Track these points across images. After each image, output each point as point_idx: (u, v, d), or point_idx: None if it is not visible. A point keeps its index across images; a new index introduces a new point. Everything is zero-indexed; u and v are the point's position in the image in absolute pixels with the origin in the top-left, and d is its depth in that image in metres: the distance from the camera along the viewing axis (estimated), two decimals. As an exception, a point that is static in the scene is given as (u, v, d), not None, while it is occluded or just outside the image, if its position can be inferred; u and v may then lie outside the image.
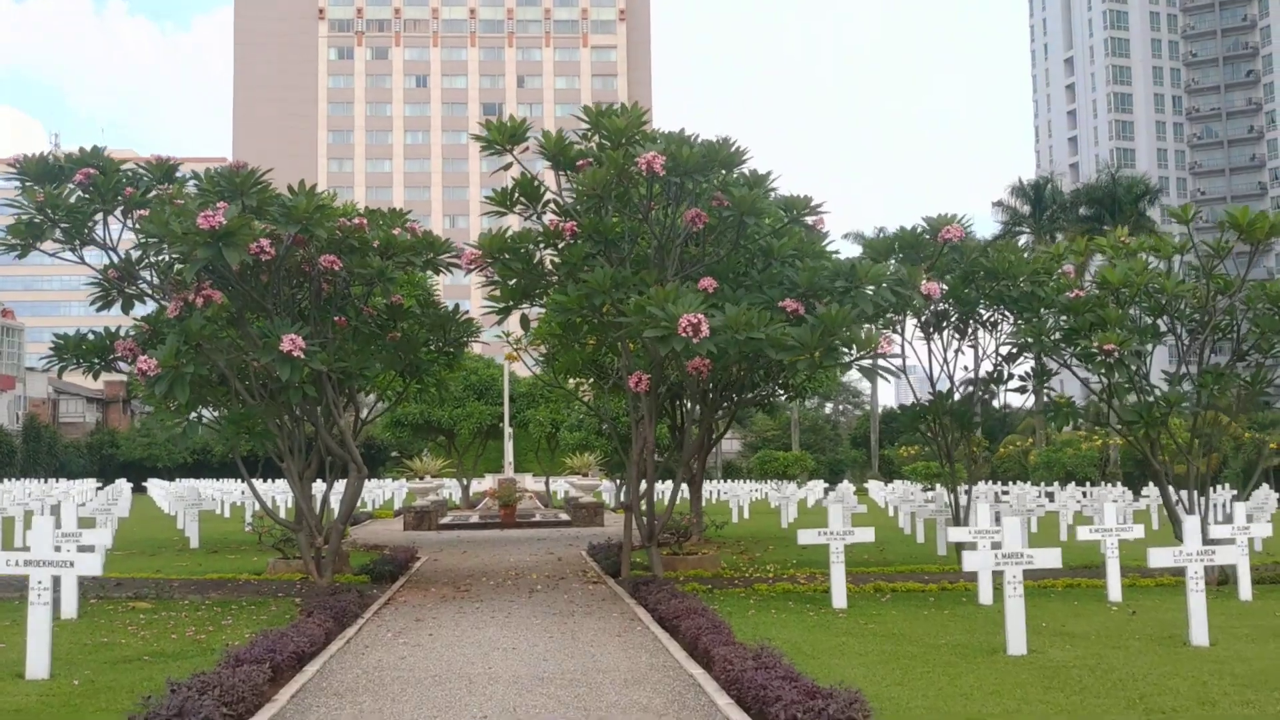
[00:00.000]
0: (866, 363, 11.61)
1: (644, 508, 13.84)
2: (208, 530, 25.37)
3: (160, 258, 11.72)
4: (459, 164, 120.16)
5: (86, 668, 8.89)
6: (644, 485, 16.10)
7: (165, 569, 17.16)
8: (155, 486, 51.37)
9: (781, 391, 21.85)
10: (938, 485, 42.16)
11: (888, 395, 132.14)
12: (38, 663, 8.40)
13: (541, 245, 12.90)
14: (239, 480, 46.33)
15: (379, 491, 46.70)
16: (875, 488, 49.42)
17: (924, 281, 12.66)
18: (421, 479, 30.45)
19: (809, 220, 12.69)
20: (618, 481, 43.39)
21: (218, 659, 8.20)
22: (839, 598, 12.32)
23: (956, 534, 13.11)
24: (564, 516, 32.66)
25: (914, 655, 9.35)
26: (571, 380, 22.96)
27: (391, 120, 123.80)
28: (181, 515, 23.30)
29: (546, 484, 47.44)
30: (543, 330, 17.41)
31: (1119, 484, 49.56)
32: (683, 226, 12.69)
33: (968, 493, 17.91)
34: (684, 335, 10.56)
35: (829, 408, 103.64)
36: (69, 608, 11.66)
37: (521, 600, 13.29)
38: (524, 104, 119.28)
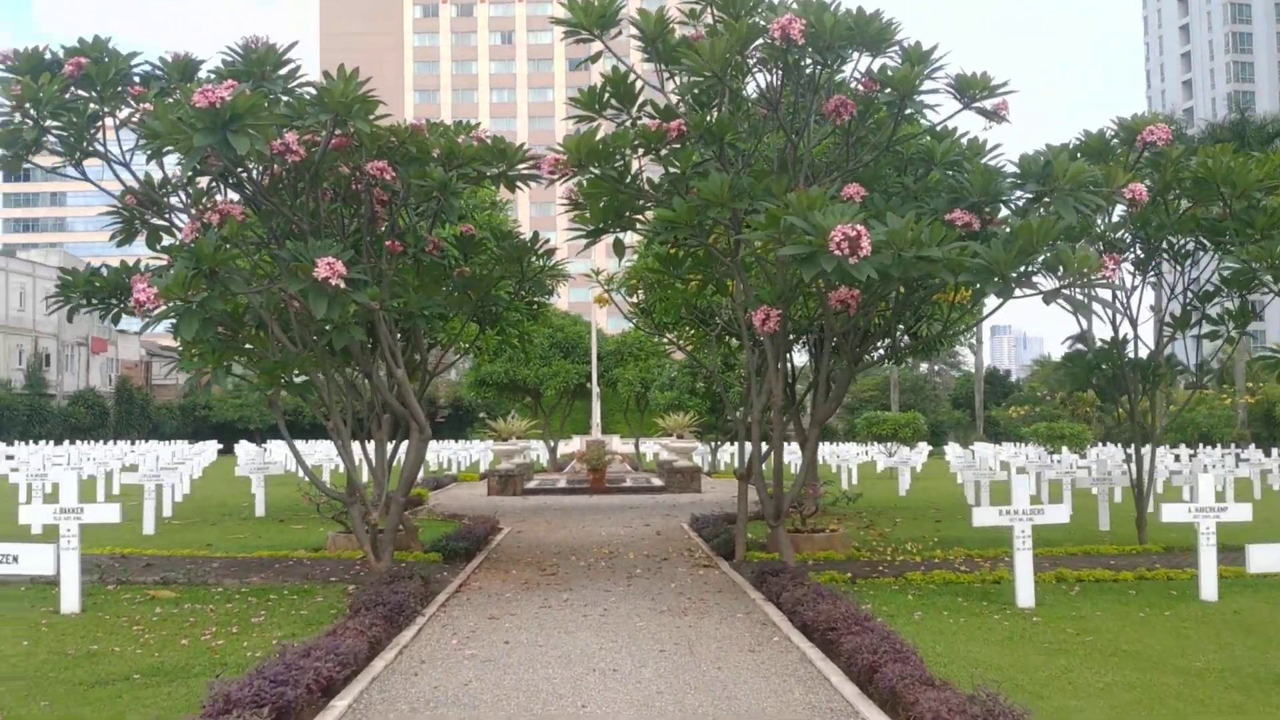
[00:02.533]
0: (1075, 290, 8.82)
1: (765, 478, 11.25)
2: (279, 497, 23.55)
3: (182, 173, 9.40)
4: (545, 121, 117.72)
5: (49, 693, 6.68)
6: (766, 451, 13.56)
7: (218, 543, 15.17)
8: (242, 449, 50.44)
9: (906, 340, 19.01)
10: (1064, 449, 38.80)
11: (990, 355, 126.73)
12: (-28, 692, 6.18)
13: (640, 151, 10.31)
14: (329, 442, 45.04)
15: (464, 453, 44.92)
16: (983, 450, 46.03)
17: (1126, 183, 9.74)
18: (505, 440, 28.30)
19: (988, 105, 9.83)
20: (712, 444, 40.85)
21: (203, 699, 5.87)
22: (1025, 594, 9.62)
23: (1174, 512, 10.25)
24: (657, 481, 30.26)
25: (1178, 691, 6.63)
26: (668, 335, 20.38)
27: (477, 79, 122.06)
28: (253, 480, 21.45)
29: (636, 446, 45.11)
30: (639, 269, 14.86)
31: (1250, 445, 45.45)
32: (826, 116, 9.99)
33: (1144, 458, 14.94)
34: (836, 253, 7.90)
35: (924, 367, 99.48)
36: (70, 599, 9.57)
37: (619, 589, 10.85)
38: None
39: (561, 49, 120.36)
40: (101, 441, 60.05)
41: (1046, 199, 9.31)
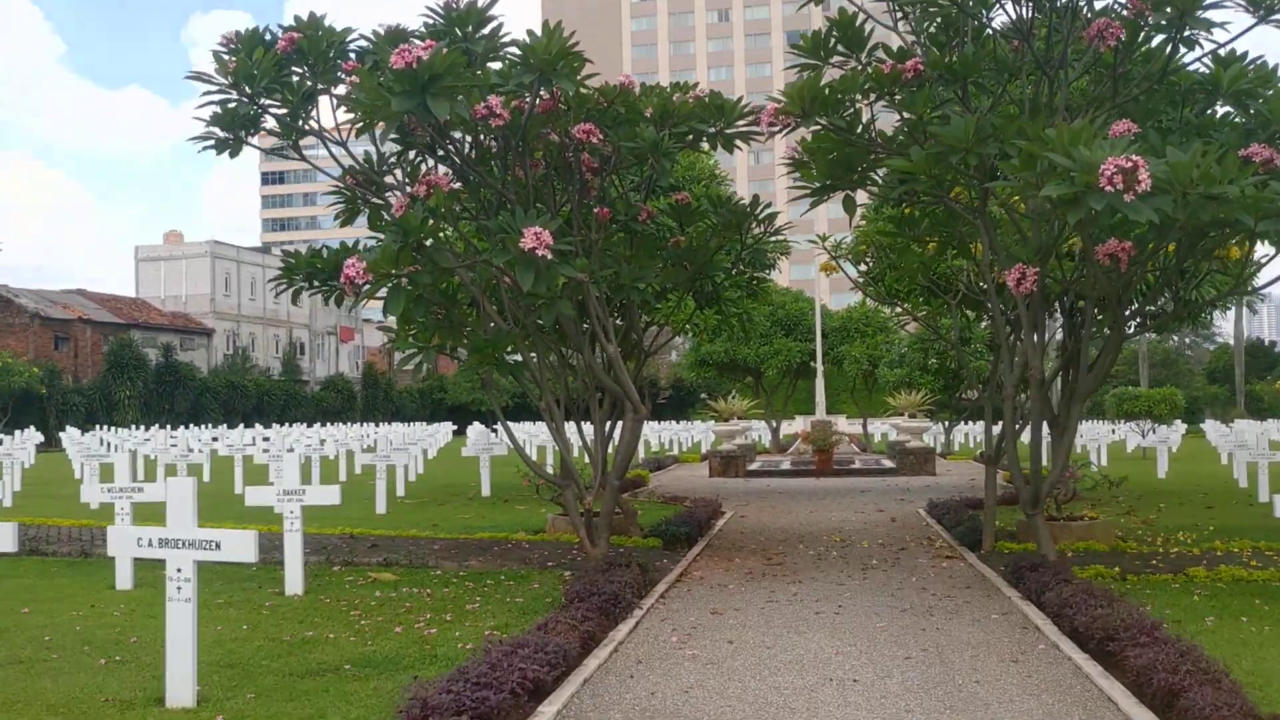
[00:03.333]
0: None
1: (1013, 460, 10.01)
2: (504, 477, 23.77)
3: (380, 141, 9.13)
4: (762, 99, 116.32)
5: (258, 683, 6.45)
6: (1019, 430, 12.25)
7: (443, 523, 15.21)
8: (472, 430, 52.12)
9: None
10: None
11: (1248, 324, 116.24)
12: (180, 688, 5.96)
13: (871, 97, 9.28)
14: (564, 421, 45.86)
15: (686, 434, 44.67)
16: (1244, 427, 41.66)
17: None
18: (727, 421, 27.65)
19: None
20: (946, 424, 38.81)
21: (400, 703, 5.39)
22: (1346, 598, 8.06)
23: None
24: (887, 463, 28.86)
25: None
26: (900, 306, 19.06)
27: (694, 59, 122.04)
28: (480, 460, 21.70)
29: (864, 426, 43.56)
30: (868, 232, 13.76)
31: None
32: (1087, 44, 8.67)
33: None
34: (1109, 189, 6.68)
35: (1174, 339, 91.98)
36: (294, 581, 9.53)
37: (853, 582, 9.92)
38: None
39: (780, 20, 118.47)
40: (348, 423, 63.70)
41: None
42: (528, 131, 8.96)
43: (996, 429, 12.16)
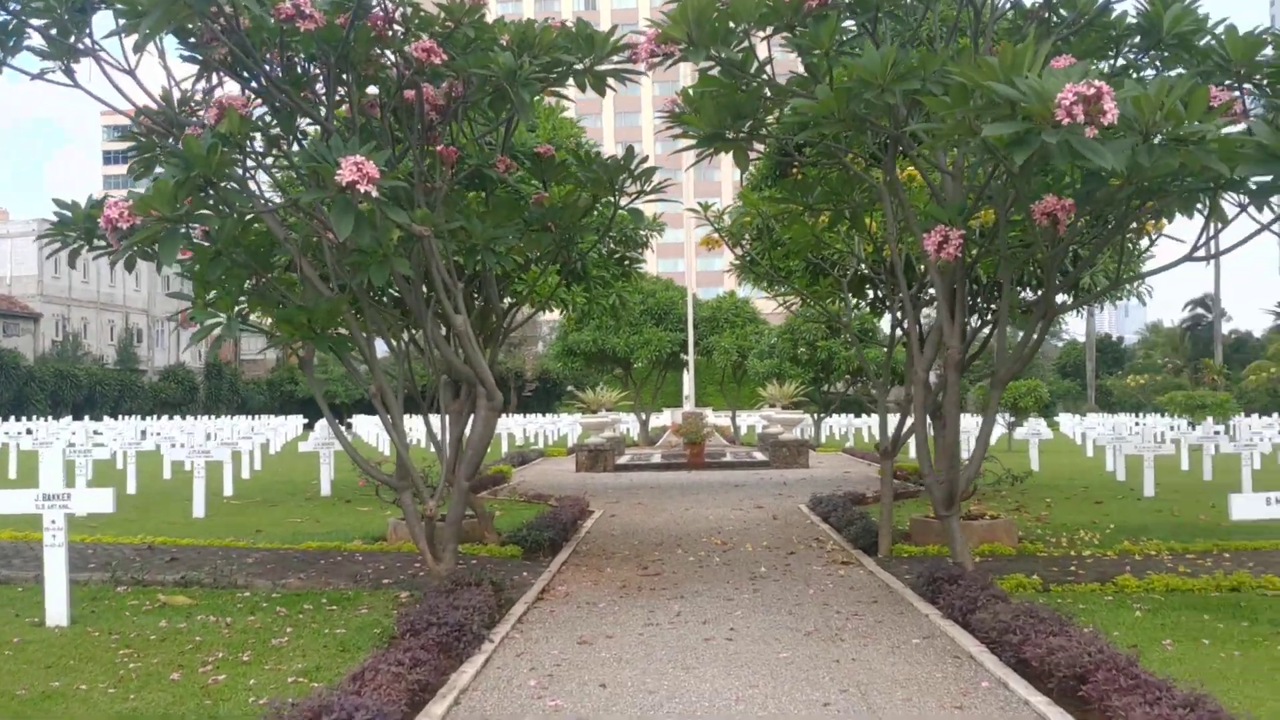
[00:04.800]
0: None
1: (923, 454, 8.73)
2: (349, 474, 21.71)
3: (140, 42, 7.18)
4: (631, 88, 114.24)
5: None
6: (910, 425, 11.07)
7: (269, 529, 13.25)
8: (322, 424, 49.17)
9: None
10: (1209, 419, 35.22)
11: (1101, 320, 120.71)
12: None
13: (768, 29, 7.84)
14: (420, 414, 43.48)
15: (552, 427, 42.99)
16: (1096, 422, 42.40)
17: None
18: (594, 413, 26.15)
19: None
20: (815, 416, 38.19)
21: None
22: (1306, 613, 7.03)
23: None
24: (759, 456, 27.84)
25: None
26: (781, 288, 17.84)
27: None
28: (320, 456, 19.60)
29: (733, 419, 42.70)
30: (753, 201, 12.38)
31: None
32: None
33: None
34: (1066, 121, 5.39)
35: (1020, 334, 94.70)
36: (56, 608, 7.58)
37: (743, 597, 8.50)
38: None
39: None
40: (189, 416, 59.74)
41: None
42: (353, 51, 7.21)
43: (894, 421, 10.95)
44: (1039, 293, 14.66)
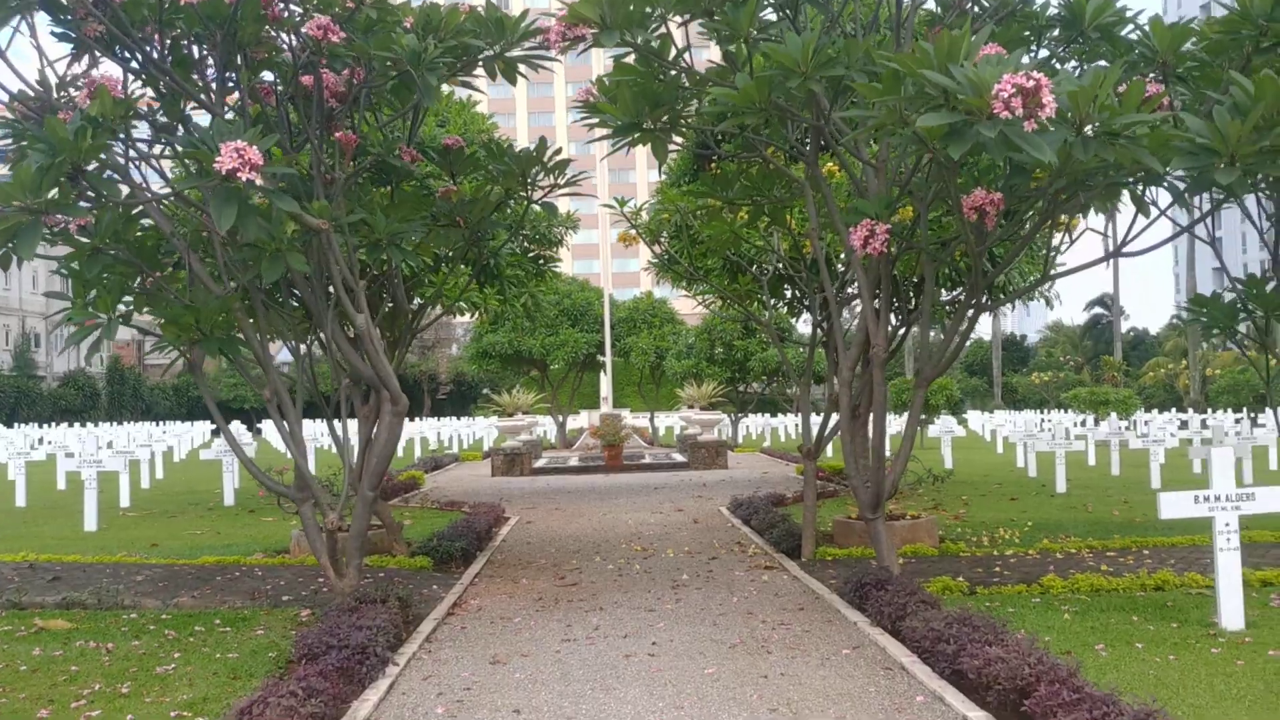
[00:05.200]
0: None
1: (847, 455, 8.48)
2: (253, 484, 20.88)
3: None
4: (544, 88, 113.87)
5: None
6: (835, 425, 10.91)
7: (166, 542, 12.55)
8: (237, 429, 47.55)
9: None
10: (1112, 415, 35.99)
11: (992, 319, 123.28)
12: None
13: (685, 13, 7.51)
14: (325, 419, 42.25)
15: (468, 431, 42.25)
16: (1004, 419, 43.14)
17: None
18: (510, 416, 25.62)
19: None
20: (733, 416, 38.14)
21: None
22: (1233, 611, 6.91)
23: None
24: (678, 457, 27.61)
25: None
26: (700, 287, 17.59)
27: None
28: (224, 464, 18.74)
29: (651, 420, 42.47)
30: (672, 196, 12.07)
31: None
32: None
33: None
34: (1004, 115, 5.16)
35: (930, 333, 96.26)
36: (-88, 639, 6.91)
37: (665, 608, 8.16)
38: None
39: None
40: (91, 424, 57.52)
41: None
42: (241, 30, 6.68)
43: (818, 420, 10.73)
44: (954, 292, 14.64)
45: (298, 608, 8.19)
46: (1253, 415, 38.35)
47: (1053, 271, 8.94)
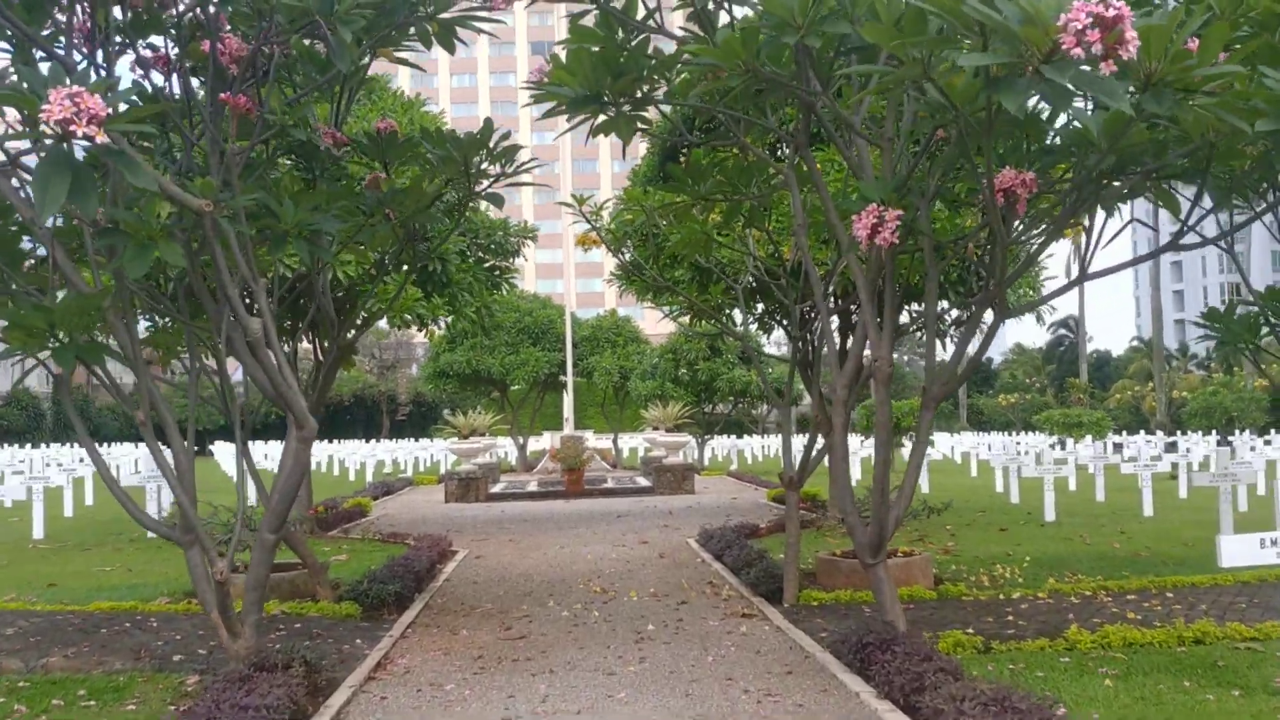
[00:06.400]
0: None
1: (846, 487, 7.24)
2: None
3: None
4: (507, 76, 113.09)
5: None
6: (821, 449, 9.76)
7: (67, 581, 11.14)
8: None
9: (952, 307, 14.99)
10: (1088, 437, 35.16)
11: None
12: None
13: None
14: (274, 441, 40.55)
15: (424, 453, 40.69)
16: (973, 441, 42.27)
17: None
18: (466, 438, 24.23)
19: None
20: (699, 438, 36.90)
21: None
22: (1313, 680, 5.76)
23: None
24: (642, 481, 26.35)
25: None
26: (654, 304, 16.44)
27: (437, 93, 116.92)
28: (146, 491, 17.23)
29: (615, 441, 41.10)
30: (636, 195, 10.87)
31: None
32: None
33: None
34: (1076, 54, 3.98)
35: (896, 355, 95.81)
36: None
37: (627, 669, 6.88)
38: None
39: None
40: (33, 446, 55.29)
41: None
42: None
43: (801, 443, 9.52)
44: (955, 301, 13.50)
45: (186, 672, 6.83)
46: (1226, 438, 37.69)
47: (1067, 279, 7.86)
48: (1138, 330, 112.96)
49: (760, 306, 15.92)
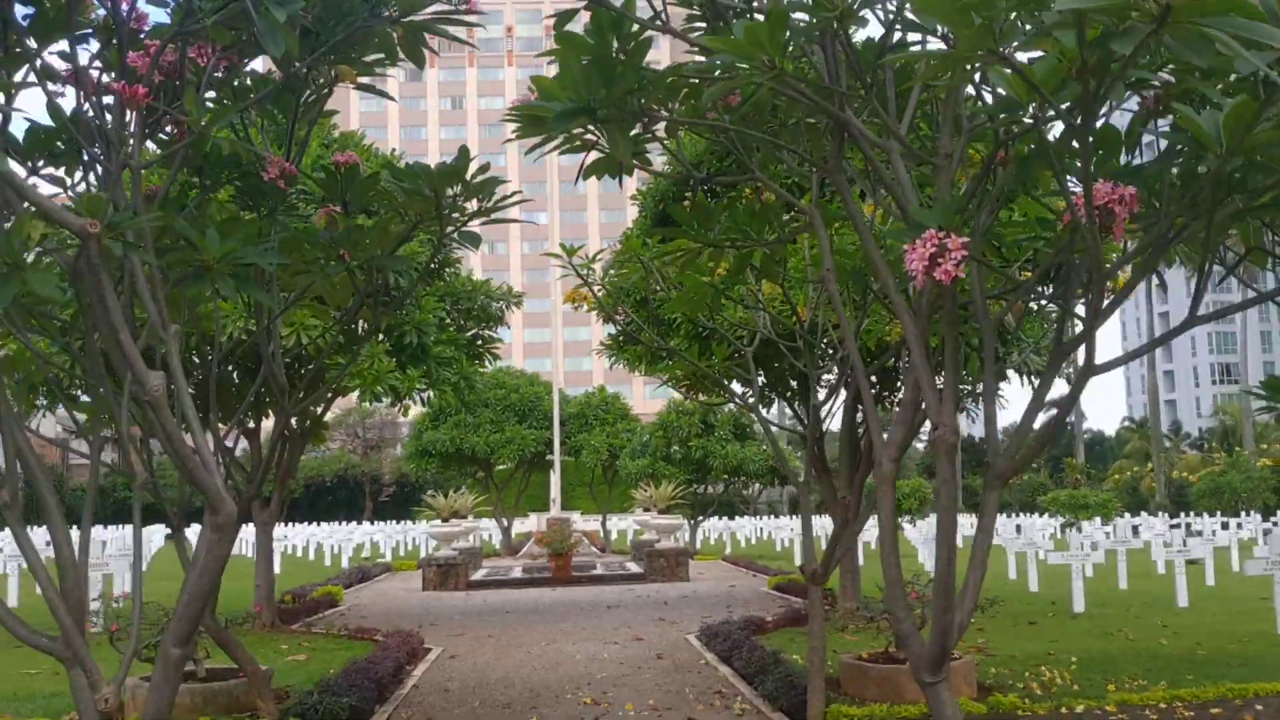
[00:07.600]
0: None
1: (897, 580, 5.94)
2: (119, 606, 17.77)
3: None
4: (496, 99, 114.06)
5: None
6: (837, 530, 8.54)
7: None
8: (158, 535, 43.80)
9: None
10: (1097, 519, 33.80)
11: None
12: None
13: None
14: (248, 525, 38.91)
15: (405, 536, 39.06)
16: (968, 522, 40.83)
17: None
18: (446, 520, 22.78)
19: None
20: (692, 521, 35.36)
21: None
22: None
23: None
24: (633, 567, 24.87)
25: None
26: (650, 374, 15.29)
27: (427, 144, 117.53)
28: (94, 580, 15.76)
29: (603, 523, 39.55)
30: (634, 246, 9.73)
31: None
32: None
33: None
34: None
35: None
36: None
37: (626, 814, 5.51)
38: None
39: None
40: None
41: None
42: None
43: (823, 527, 8.19)
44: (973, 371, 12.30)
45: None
46: (1236, 520, 36.41)
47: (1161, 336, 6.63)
48: (1128, 410, 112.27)
49: (761, 378, 14.72)
